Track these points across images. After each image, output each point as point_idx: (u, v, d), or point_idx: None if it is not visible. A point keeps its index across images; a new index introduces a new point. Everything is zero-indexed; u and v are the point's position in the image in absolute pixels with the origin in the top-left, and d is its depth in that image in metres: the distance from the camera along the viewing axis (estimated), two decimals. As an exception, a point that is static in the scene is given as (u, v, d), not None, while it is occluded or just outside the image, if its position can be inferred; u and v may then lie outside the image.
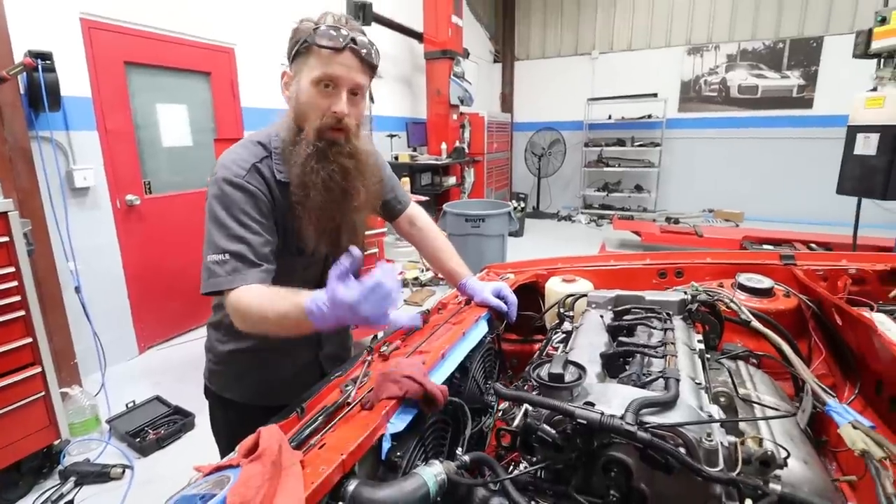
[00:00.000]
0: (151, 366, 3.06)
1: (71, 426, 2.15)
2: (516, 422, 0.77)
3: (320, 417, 0.75)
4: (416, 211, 1.28)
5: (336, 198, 0.97)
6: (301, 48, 0.92)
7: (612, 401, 0.71)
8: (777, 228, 5.82)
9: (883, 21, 1.98)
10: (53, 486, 1.94)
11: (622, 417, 0.64)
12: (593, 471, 0.70)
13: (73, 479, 1.97)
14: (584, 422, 0.65)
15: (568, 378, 0.75)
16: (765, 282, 1.27)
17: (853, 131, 2.15)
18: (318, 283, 1.08)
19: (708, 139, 7.46)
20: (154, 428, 2.30)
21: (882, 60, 2.08)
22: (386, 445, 0.72)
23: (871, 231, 3.75)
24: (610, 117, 7.78)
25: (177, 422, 2.33)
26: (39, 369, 1.87)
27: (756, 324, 1.05)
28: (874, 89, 2.11)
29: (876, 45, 2.05)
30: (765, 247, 4.56)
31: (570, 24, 8.14)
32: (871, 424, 0.80)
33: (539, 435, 0.70)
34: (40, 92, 2.28)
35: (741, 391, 0.95)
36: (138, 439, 2.21)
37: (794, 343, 1.14)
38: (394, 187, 1.24)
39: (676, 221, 6.44)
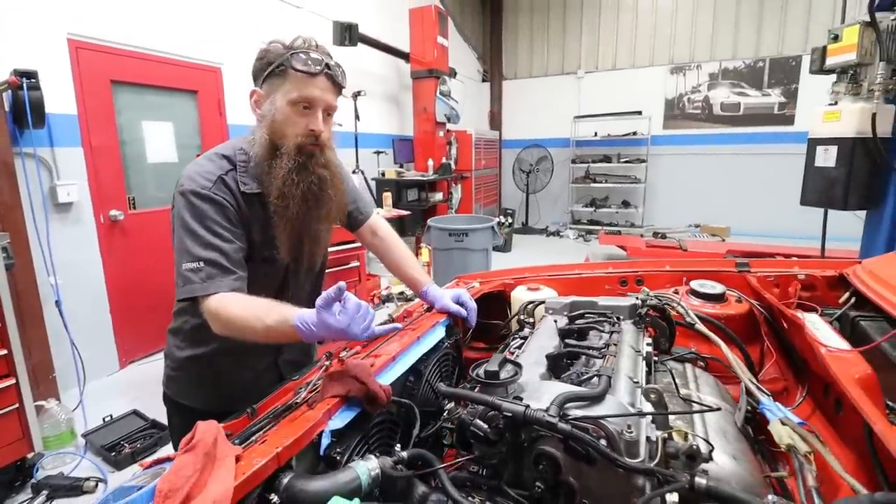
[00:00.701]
0: (132, 380, 3.05)
1: (45, 440, 2.14)
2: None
3: (269, 418, 0.77)
4: (377, 221, 1.33)
5: (311, 206, 1.03)
6: (277, 70, 0.98)
7: (543, 396, 0.74)
8: (762, 243, 5.91)
9: (836, 38, 2.08)
10: (25, 500, 1.92)
11: (546, 410, 0.67)
12: (524, 465, 0.73)
13: (45, 492, 1.95)
14: (510, 415, 0.68)
15: (503, 375, 0.78)
16: (717, 287, 1.31)
17: (813, 144, 2.23)
18: (278, 289, 1.12)
19: (693, 155, 7.61)
20: (130, 442, 2.29)
21: (837, 76, 2.18)
22: (325, 441, 0.74)
23: (849, 243, 3.82)
24: (596, 134, 7.93)
25: (153, 435, 2.32)
26: (13, 381, 1.88)
27: (700, 326, 1.08)
28: (833, 103, 2.20)
29: (830, 61, 2.15)
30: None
31: (556, 44, 8.35)
32: (801, 421, 0.83)
33: (472, 430, 0.73)
34: (24, 109, 2.32)
35: (683, 391, 0.98)
36: (114, 453, 2.20)
37: (742, 346, 1.18)
38: (356, 199, 1.28)
39: (663, 236, 6.52)
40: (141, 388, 2.90)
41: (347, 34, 4.42)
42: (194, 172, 0.99)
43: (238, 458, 0.64)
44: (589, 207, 8.10)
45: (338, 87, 1.03)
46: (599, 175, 7.99)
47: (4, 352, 1.84)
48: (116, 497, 0.59)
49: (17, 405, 1.90)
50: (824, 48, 2.18)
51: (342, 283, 0.81)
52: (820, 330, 0.96)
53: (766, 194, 7.16)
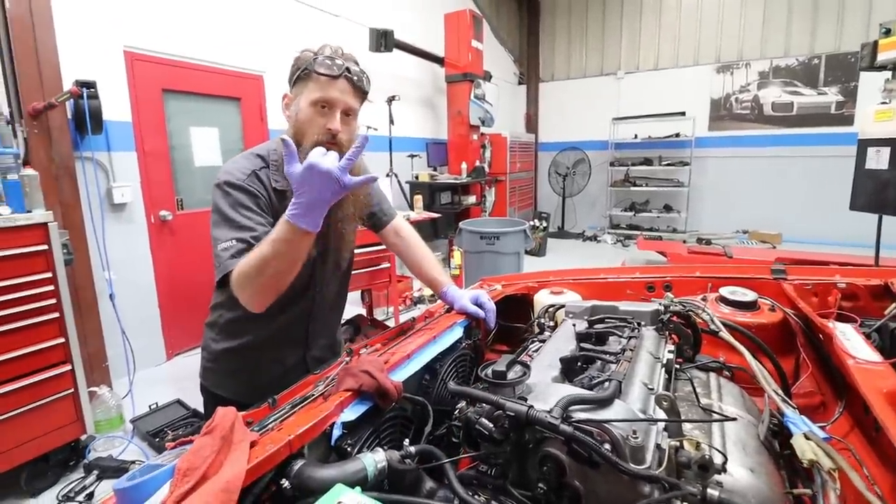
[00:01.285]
0: (176, 372, 3.23)
1: (97, 423, 2.30)
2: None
3: (287, 408, 0.82)
4: (400, 223, 1.36)
5: (331, 207, 1.07)
6: (301, 74, 1.04)
7: (550, 398, 0.74)
8: (816, 251, 5.57)
9: (888, 33, 1.94)
10: (78, 478, 2.08)
11: (549, 411, 0.67)
12: (529, 465, 0.73)
13: (95, 472, 2.10)
14: (513, 414, 0.68)
15: (511, 376, 0.78)
16: (748, 295, 1.25)
17: (864, 145, 2.09)
18: (305, 284, 1.17)
19: (742, 158, 7.27)
20: (173, 429, 2.42)
21: (891, 72, 2.03)
22: (336, 433, 0.77)
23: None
24: (636, 136, 7.71)
25: (193, 424, 2.45)
26: (69, 368, 2.03)
27: (724, 334, 1.05)
28: (886, 101, 2.05)
29: (882, 56, 2.01)
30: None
31: (594, 45, 8.20)
32: (826, 436, 0.79)
33: (478, 428, 0.74)
34: (85, 117, 2.52)
35: (704, 401, 0.95)
36: (157, 439, 2.34)
37: (773, 357, 1.12)
38: (380, 201, 1.32)
39: (708, 242, 6.26)
40: (184, 379, 3.07)
41: (383, 40, 4.51)
42: (231, 167, 1.07)
43: (253, 444, 0.68)
44: (628, 212, 7.88)
45: (359, 91, 1.07)
46: (640, 178, 7.77)
47: (62, 340, 2.00)
48: (142, 472, 0.64)
49: (72, 390, 2.05)
50: (875, 43, 2.04)
51: (286, 138, 0.89)
52: (850, 340, 0.90)
53: (821, 199, 6.74)
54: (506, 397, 0.73)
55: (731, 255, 5.25)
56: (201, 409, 2.51)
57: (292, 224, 0.86)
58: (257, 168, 1.08)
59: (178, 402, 2.69)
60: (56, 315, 1.97)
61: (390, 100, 4.61)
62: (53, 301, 1.96)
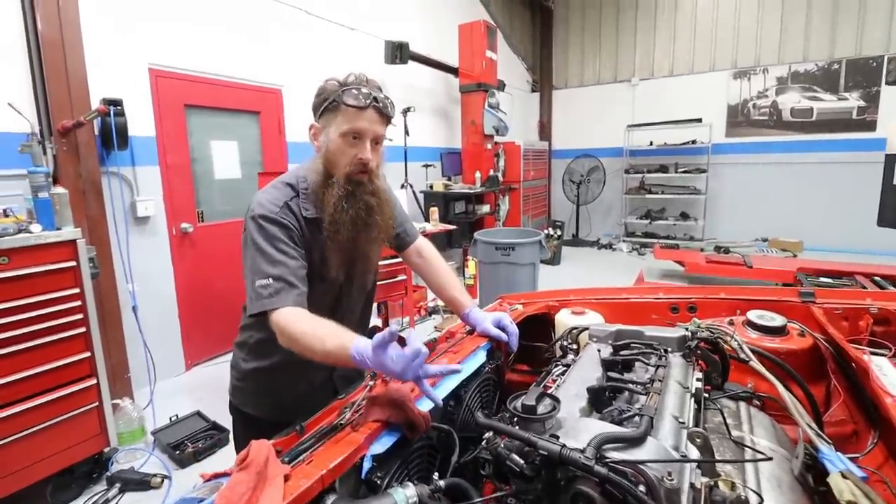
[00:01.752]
0: (195, 382, 3.27)
1: (119, 435, 2.34)
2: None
3: (315, 437, 0.82)
4: (423, 244, 1.37)
5: (360, 231, 1.11)
6: (330, 105, 1.07)
7: (581, 435, 0.73)
8: (840, 259, 5.44)
9: (918, 49, 1.90)
10: (101, 491, 2.11)
11: (583, 451, 0.67)
12: (560, 503, 0.72)
13: (118, 485, 2.13)
14: (546, 453, 0.68)
15: (541, 410, 0.78)
16: (777, 320, 1.23)
17: (892, 160, 2.04)
18: (333, 305, 1.19)
19: (760, 165, 7.16)
20: (193, 441, 2.45)
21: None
22: (367, 466, 0.77)
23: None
24: (651, 143, 7.65)
25: (213, 437, 2.48)
26: (95, 381, 2.07)
27: (755, 363, 1.03)
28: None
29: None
30: (822, 280, 4.28)
31: (608, 52, 8.17)
32: (863, 475, 0.77)
33: (508, 464, 0.73)
34: (111, 133, 2.58)
35: (735, 433, 0.93)
36: (178, 451, 2.37)
37: (804, 384, 1.10)
38: (403, 222, 1.33)
39: (726, 251, 6.16)
40: (204, 390, 3.11)
41: (399, 53, 4.56)
42: (264, 200, 1.09)
43: (286, 478, 0.69)
44: (644, 219, 7.81)
45: (386, 118, 1.10)
46: (655, 186, 7.69)
47: (88, 354, 2.05)
48: (180, 508, 0.66)
49: (97, 403, 2.09)
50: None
51: (394, 328, 0.86)
52: (888, 376, 0.88)
53: (843, 206, 6.60)
54: (536, 434, 0.73)
55: (751, 264, 5.15)
56: (220, 420, 2.57)
57: (350, 360, 0.88)
58: (289, 198, 1.10)
59: (198, 413, 2.72)
60: (83, 330, 2.01)
61: (405, 111, 4.65)
62: (80, 316, 2.00)
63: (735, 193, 7.36)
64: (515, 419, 0.82)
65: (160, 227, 3.19)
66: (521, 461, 0.73)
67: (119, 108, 2.61)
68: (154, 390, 2.88)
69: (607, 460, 0.66)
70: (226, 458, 2.40)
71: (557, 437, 0.72)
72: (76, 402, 2.01)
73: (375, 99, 1.06)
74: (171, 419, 2.63)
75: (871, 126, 6.42)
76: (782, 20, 6.79)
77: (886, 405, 0.81)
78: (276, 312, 0.99)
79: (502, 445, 0.77)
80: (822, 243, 6.63)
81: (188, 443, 2.44)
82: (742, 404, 1.03)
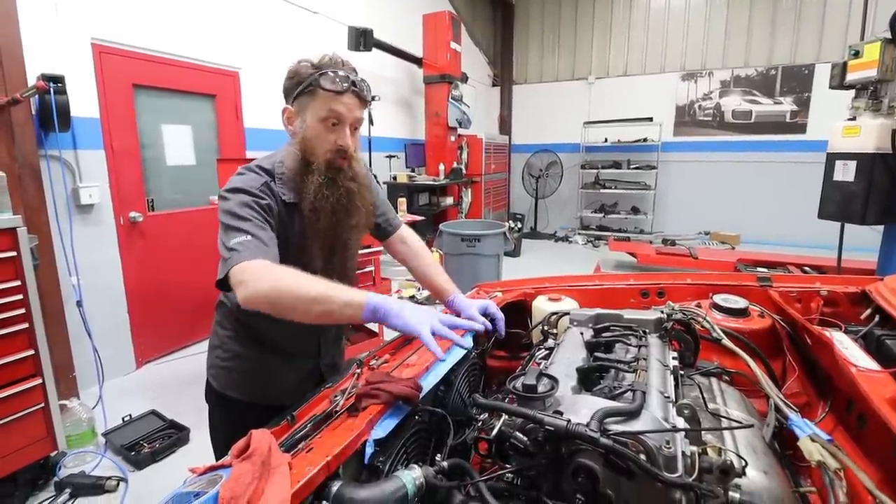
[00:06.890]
0: (148, 380, 3.09)
1: (68, 438, 2.18)
2: (494, 431, 0.82)
3: (309, 425, 0.80)
4: (406, 232, 1.36)
5: (341, 217, 1.09)
6: (306, 89, 1.02)
7: (581, 410, 0.76)
8: (773, 251, 5.89)
9: (856, 55, 2.09)
10: (48, 498, 1.96)
11: (587, 425, 0.69)
12: (563, 477, 0.75)
13: (68, 490, 1.99)
14: (552, 429, 0.70)
15: (541, 389, 0.80)
16: (740, 302, 1.32)
17: (832, 158, 2.24)
18: None
19: (703, 163, 7.60)
20: (149, 441, 2.32)
21: (857, 91, 2.19)
22: (369, 450, 0.76)
23: (864, 254, 3.81)
24: (606, 140, 7.93)
25: (171, 436, 2.36)
26: (40, 381, 1.91)
27: (727, 342, 1.10)
28: (852, 118, 2.21)
29: (850, 76, 2.17)
30: (758, 269, 4.63)
31: (567, 50, 8.38)
32: (829, 438, 0.85)
33: (512, 442, 0.75)
34: (51, 113, 2.37)
35: (711, 406, 1.00)
36: (133, 452, 2.23)
37: (766, 361, 1.19)
38: (385, 211, 1.32)
39: (673, 243, 6.52)
40: (157, 388, 2.95)
41: (362, 39, 4.46)
42: (241, 179, 1.04)
43: (290, 467, 0.67)
44: (598, 213, 8.10)
45: (363, 102, 1.08)
46: (609, 181, 7.99)
47: (32, 352, 1.88)
48: (176, 501, 0.62)
49: (42, 404, 1.93)
50: (845, 64, 2.20)
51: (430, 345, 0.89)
52: (849, 349, 0.97)
53: (778, 202, 7.14)
54: (540, 411, 0.75)
55: (696, 255, 5.48)
56: (179, 418, 2.44)
57: (363, 308, 0.88)
58: (268, 180, 1.06)
59: (154, 412, 2.57)
60: (26, 325, 1.85)
61: (370, 100, 4.56)
62: (23, 311, 1.84)
63: (681, 189, 7.78)
64: (511, 397, 0.84)
65: (106, 216, 2.97)
66: (525, 438, 0.75)
67: (60, 85, 2.40)
68: (103, 389, 2.70)
69: (610, 432, 0.69)
70: (187, 457, 2.30)
71: (561, 413, 0.74)
72: (20, 404, 1.84)
73: (353, 83, 1.03)
74: (123, 419, 2.47)
75: (802, 129, 6.97)
76: (727, 27, 7.22)
77: (852, 374, 0.90)
78: (256, 262, 0.90)
79: (504, 425, 0.79)
80: (758, 236, 7.15)
81: (144, 443, 2.31)
82: (714, 380, 1.10)
